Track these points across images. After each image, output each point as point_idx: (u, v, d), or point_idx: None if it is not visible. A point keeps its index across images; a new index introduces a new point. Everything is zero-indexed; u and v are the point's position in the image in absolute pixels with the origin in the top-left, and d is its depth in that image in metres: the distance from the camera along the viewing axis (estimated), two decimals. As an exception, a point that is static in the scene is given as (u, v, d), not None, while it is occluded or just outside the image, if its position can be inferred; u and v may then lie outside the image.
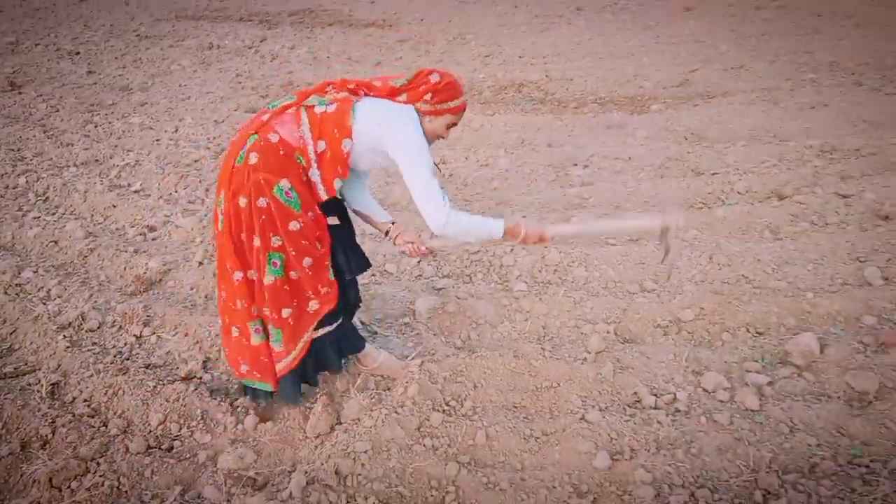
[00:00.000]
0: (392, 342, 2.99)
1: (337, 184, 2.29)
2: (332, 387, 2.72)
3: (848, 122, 5.41)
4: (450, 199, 2.30)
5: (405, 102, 2.29)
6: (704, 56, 7.82)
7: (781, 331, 2.95)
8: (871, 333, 2.89)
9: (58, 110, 6.93)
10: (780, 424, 2.43)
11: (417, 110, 2.30)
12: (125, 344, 3.07)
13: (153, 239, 4.06)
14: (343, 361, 2.66)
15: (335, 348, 2.54)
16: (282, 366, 2.40)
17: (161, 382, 2.73)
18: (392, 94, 2.30)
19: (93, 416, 2.59)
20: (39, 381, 2.78)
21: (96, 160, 5.37)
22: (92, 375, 2.77)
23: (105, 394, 2.68)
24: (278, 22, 12.28)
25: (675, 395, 2.60)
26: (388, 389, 2.65)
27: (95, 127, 6.31)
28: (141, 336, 3.11)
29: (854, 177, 4.40)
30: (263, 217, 2.20)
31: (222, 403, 2.61)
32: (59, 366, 2.88)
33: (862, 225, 3.81)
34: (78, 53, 9.95)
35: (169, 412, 2.57)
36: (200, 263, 3.66)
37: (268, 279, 2.27)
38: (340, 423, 2.51)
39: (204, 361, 2.92)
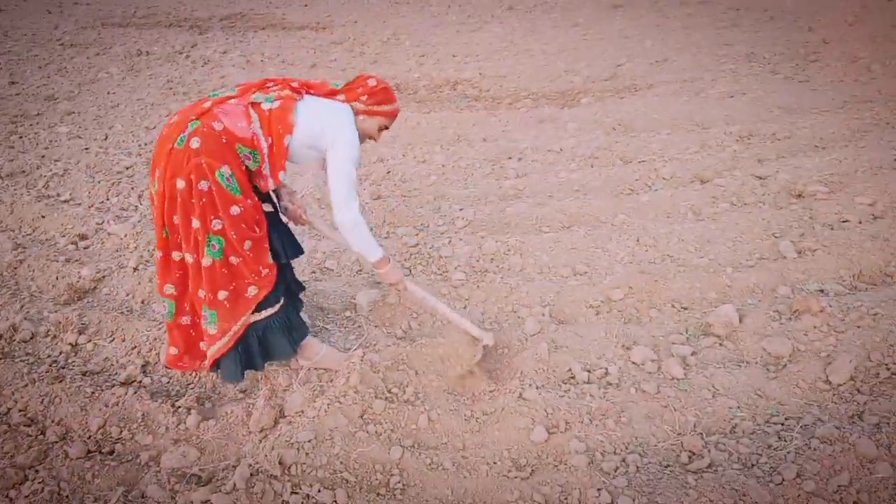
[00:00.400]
0: (334, 336, 3.04)
1: (282, 176, 2.40)
2: (275, 382, 2.74)
3: (764, 108, 5.72)
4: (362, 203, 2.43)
5: (342, 101, 2.45)
6: (631, 51, 8.10)
7: (704, 305, 3.13)
8: (785, 302, 3.09)
9: (-22, 122, 6.67)
10: (703, 391, 2.59)
11: (353, 109, 2.46)
12: (60, 353, 3.01)
13: (85, 248, 3.98)
14: (293, 347, 2.67)
15: (284, 334, 2.57)
16: (215, 348, 2.44)
17: (99, 388, 2.70)
18: (330, 94, 2.47)
19: (29, 425, 2.54)
20: (-30, 395, 2.70)
21: (22, 171, 5.20)
22: (27, 385, 2.71)
23: (41, 402, 2.63)
24: (209, 27, 12.06)
25: (606, 369, 2.73)
26: (331, 381, 2.70)
27: (20, 138, 6.09)
28: (76, 344, 3.06)
29: (770, 159, 4.68)
30: (204, 200, 2.24)
31: (163, 405, 2.60)
32: (-9, 378, 2.80)
33: (777, 204, 4.05)
34: (-2, 64, 9.56)
35: (109, 416, 2.55)
36: (135, 269, 3.61)
37: (206, 261, 2.31)
38: (284, 417, 2.54)
39: (143, 366, 2.90)
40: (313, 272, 3.56)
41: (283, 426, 2.45)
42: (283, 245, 2.58)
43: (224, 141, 2.25)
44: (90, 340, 3.09)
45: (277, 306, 2.52)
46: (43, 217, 4.35)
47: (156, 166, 2.31)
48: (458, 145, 5.27)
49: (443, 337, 2.94)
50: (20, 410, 2.63)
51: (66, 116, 6.75)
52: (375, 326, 3.10)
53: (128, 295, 3.46)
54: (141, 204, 4.52)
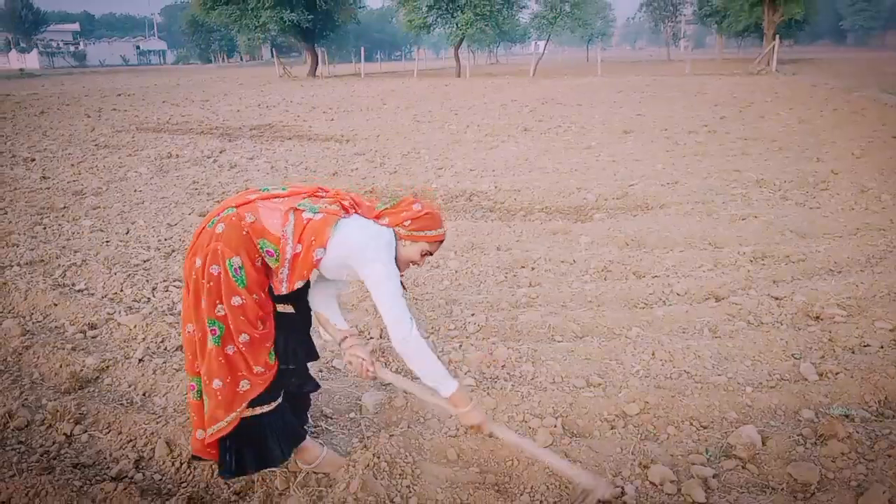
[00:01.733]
0: (336, 438, 2.92)
1: (298, 284, 2.34)
2: (272, 485, 2.60)
3: (777, 231, 5.78)
4: (416, 325, 2.35)
5: (386, 225, 2.39)
6: (643, 173, 8.35)
7: (724, 424, 3.00)
8: (809, 426, 2.96)
9: (6, 213, 6.86)
10: (727, 516, 2.42)
11: (396, 234, 2.40)
12: (53, 443, 2.90)
13: (93, 337, 3.94)
14: (286, 452, 2.53)
15: (276, 437, 2.45)
16: (212, 431, 2.33)
17: (88, 482, 2.58)
18: (376, 216, 2.42)
19: (9, 519, 2.41)
20: (-46, 483, 2.58)
21: (41, 260, 5.28)
22: (14, 476, 2.59)
23: (26, 495, 2.49)
24: (238, 136, 12.65)
25: (622, 488, 2.58)
26: (331, 487, 2.56)
27: (44, 229, 6.25)
28: (71, 434, 2.95)
29: (785, 281, 4.65)
30: (212, 283, 2.25)
31: (153, 503, 2.46)
32: (-22, 466, 2.69)
33: (795, 325, 3.99)
34: (33, 160, 9.99)
35: (94, 513, 2.41)
36: (141, 360, 3.56)
37: (209, 344, 2.30)
38: (279, 523, 2.39)
39: (136, 461, 2.78)
40: (319, 371, 3.48)
41: (278, 533, 2.30)
42: (289, 348, 2.49)
43: (245, 233, 2.26)
44: (86, 431, 2.98)
45: (274, 404, 2.43)
46: (55, 305, 4.36)
47: (191, 246, 2.38)
48: (471, 252, 5.32)
49: (449, 445, 2.81)
50: (2, 502, 2.49)
51: (91, 210, 6.94)
52: (381, 429, 2.98)
53: (130, 386, 3.38)
54: (154, 296, 4.53)
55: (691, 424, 3.01)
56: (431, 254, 2.49)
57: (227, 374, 2.31)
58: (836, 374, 3.35)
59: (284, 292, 2.35)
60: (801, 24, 40.05)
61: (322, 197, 2.42)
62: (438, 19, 35.10)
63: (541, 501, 2.51)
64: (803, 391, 3.21)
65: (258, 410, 2.38)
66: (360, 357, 2.56)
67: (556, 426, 2.98)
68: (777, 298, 4.28)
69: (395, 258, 2.39)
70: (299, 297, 2.52)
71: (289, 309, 2.48)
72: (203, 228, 2.32)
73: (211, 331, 2.28)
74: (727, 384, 3.30)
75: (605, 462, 2.73)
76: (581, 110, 15.47)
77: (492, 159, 9.57)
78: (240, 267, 2.24)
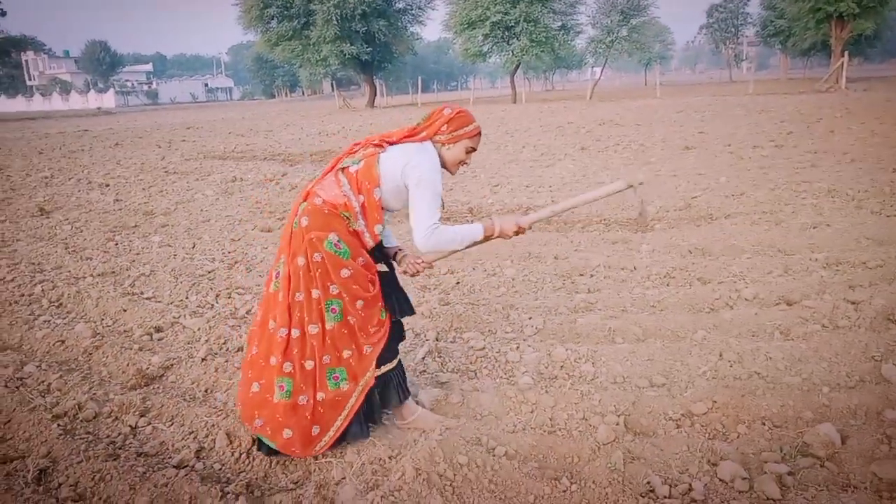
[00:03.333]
0: (393, 432, 2.88)
1: (377, 229, 2.58)
2: (328, 475, 2.59)
3: (851, 239, 5.48)
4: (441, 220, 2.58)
5: (423, 139, 2.62)
6: (705, 185, 8.11)
7: (799, 423, 2.82)
8: (895, 427, 2.75)
9: (81, 231, 7.22)
10: (806, 514, 2.26)
11: (436, 143, 2.63)
12: (119, 434, 2.98)
13: (159, 339, 4.07)
14: (402, 398, 2.81)
15: (399, 388, 2.74)
16: (348, 409, 2.58)
17: (151, 469, 2.62)
18: (412, 133, 2.65)
19: (77, 501, 2.47)
20: (27, 468, 2.67)
21: (112, 272, 5.50)
22: (81, 462, 2.67)
23: (92, 479, 2.56)
24: (300, 161, 13.00)
25: (690, 485, 2.45)
26: (386, 476, 2.52)
27: (116, 245, 6.53)
28: (136, 426, 3.03)
29: (863, 286, 4.39)
30: (319, 270, 2.47)
31: (212, 489, 2.48)
32: (49, 452, 2.78)
33: (874, 328, 3.75)
34: (108, 185, 10.50)
35: (156, 497, 2.44)
36: (204, 359, 3.63)
37: (328, 325, 2.51)
38: (334, 510, 2.37)
39: (197, 451, 2.81)
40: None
41: (333, 518, 2.27)
42: (397, 302, 2.73)
43: (326, 212, 2.50)
44: (149, 423, 3.05)
45: (396, 361, 2.71)
46: (124, 311, 4.52)
47: (281, 252, 2.58)
48: (528, 261, 5.25)
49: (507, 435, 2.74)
50: (71, 486, 2.56)
51: (160, 228, 7.22)
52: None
53: (193, 383, 3.45)
54: (217, 303, 4.64)
55: (763, 424, 2.85)
56: (475, 149, 2.71)
57: (352, 341, 2.55)
58: (923, 376, 3.12)
59: (372, 243, 2.58)
60: (872, 41, 38.65)
61: (356, 152, 2.65)
62: (494, 47, 35.47)
63: (602, 495, 2.40)
64: (886, 392, 3.00)
65: (385, 368, 2.65)
66: (410, 260, 2.79)
67: (618, 424, 2.87)
68: (854, 303, 4.04)
69: (443, 164, 2.64)
70: (385, 256, 2.77)
71: (383, 267, 2.72)
72: (291, 232, 2.54)
73: (331, 309, 2.49)
74: (801, 384, 3.12)
75: (670, 459, 2.60)
76: (640, 129, 15.24)
77: (548, 176, 9.51)
78: (338, 241, 2.48)
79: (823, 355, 3.39)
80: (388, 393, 2.73)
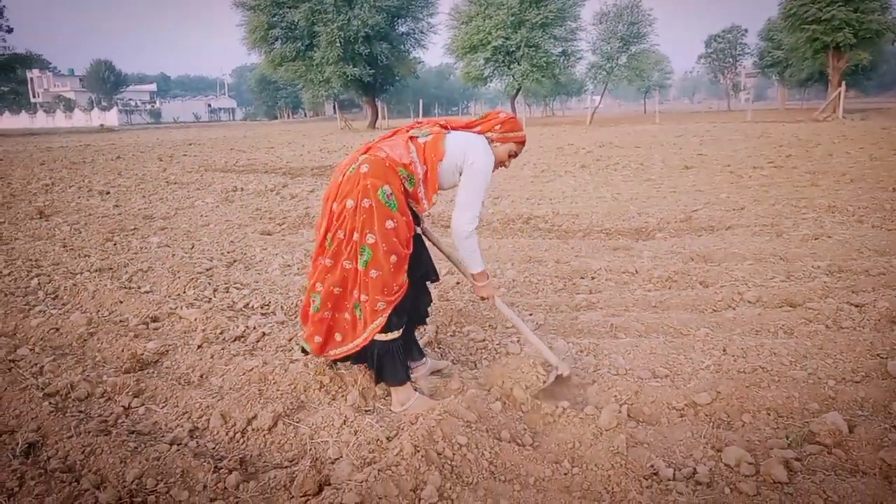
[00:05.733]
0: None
1: (435, 198, 2.78)
2: (324, 454, 2.53)
3: (853, 249, 5.47)
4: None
5: (479, 132, 2.89)
6: (706, 200, 8.13)
7: (805, 414, 2.77)
8: (902, 418, 2.70)
9: (80, 232, 7.18)
10: (813, 496, 2.20)
11: (488, 139, 2.88)
12: (111, 413, 2.92)
13: (156, 328, 4.01)
14: (402, 379, 2.86)
15: (399, 361, 2.81)
16: (369, 332, 2.73)
17: (143, 444, 2.56)
18: (469, 126, 2.92)
19: (66, 472, 2.40)
20: (16, 441, 2.61)
21: (110, 268, 5.46)
22: (72, 437, 2.61)
23: (82, 452, 2.50)
24: (300, 174, 13.02)
25: (694, 468, 2.39)
26: (384, 453, 2.46)
27: (114, 244, 6.49)
28: (129, 406, 2.97)
29: (866, 290, 4.37)
30: (364, 216, 2.61)
31: (205, 463, 2.42)
32: (39, 428, 2.72)
33: (878, 328, 3.71)
34: (108, 193, 10.47)
35: (147, 469, 2.38)
36: (200, 347, 3.58)
37: (360, 266, 2.66)
38: (329, 485, 2.30)
39: (191, 430, 2.76)
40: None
41: (328, 492, 2.21)
42: (429, 264, 2.98)
43: (387, 165, 2.66)
44: (143, 404, 2.99)
45: (399, 332, 2.78)
46: (121, 302, 4.47)
47: (328, 195, 2.75)
48: (529, 264, 5.22)
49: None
50: (60, 458, 2.50)
51: (159, 231, 7.18)
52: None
53: (188, 369, 3.40)
54: (215, 297, 4.59)
55: (768, 414, 2.80)
56: (517, 155, 2.98)
57: (366, 291, 2.67)
58: (929, 372, 3.08)
59: (428, 208, 2.79)
60: (869, 73, 39.08)
61: (423, 125, 2.89)
62: (495, 71, 35.81)
63: (604, 477, 2.35)
64: (893, 386, 2.95)
65: (388, 336, 2.74)
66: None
67: (620, 412, 2.82)
68: (857, 305, 4.01)
69: None
70: (418, 221, 2.92)
71: (418, 230, 2.91)
72: (344, 176, 2.68)
73: (362, 254, 2.63)
74: (807, 378, 3.07)
75: (674, 445, 2.55)
76: (640, 151, 15.31)
77: (549, 190, 9.53)
78: (391, 193, 2.62)
79: (828, 352, 3.35)
80: (387, 362, 2.79)
